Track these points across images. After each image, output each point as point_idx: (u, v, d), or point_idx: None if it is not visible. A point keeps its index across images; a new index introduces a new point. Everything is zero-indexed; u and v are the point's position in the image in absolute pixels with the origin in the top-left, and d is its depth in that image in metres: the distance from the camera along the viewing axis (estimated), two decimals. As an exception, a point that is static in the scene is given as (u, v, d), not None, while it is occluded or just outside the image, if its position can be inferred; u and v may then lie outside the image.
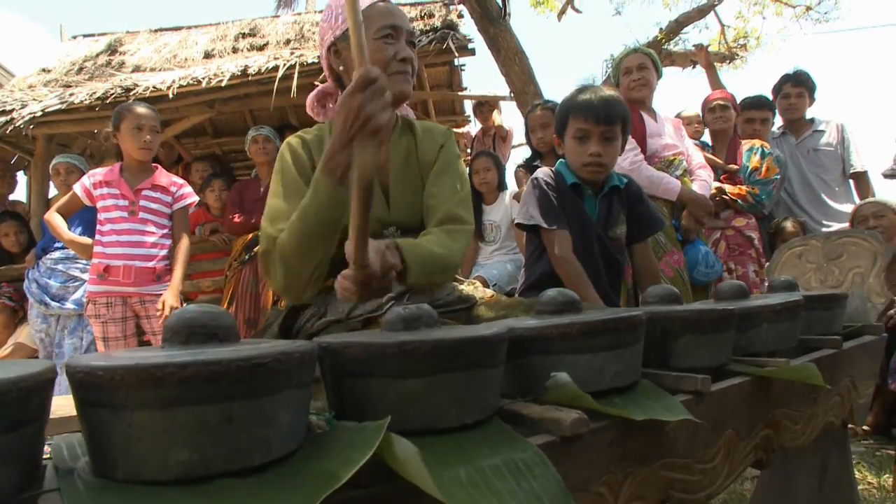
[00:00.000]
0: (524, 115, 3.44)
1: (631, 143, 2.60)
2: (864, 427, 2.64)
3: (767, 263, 1.96)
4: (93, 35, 6.11)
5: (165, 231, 2.72)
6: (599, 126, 1.73)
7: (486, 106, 5.02)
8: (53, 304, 3.19)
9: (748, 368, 0.90)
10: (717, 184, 3.04)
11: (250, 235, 3.65)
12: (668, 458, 0.74)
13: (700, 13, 6.21)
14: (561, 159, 1.94)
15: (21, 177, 5.03)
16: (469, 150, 5.75)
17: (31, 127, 3.88)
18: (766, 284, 2.84)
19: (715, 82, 4.05)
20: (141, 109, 2.66)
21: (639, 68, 2.78)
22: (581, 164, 1.77)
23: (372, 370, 0.55)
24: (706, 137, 3.54)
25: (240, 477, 0.44)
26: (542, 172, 1.84)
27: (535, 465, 0.54)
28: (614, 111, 1.74)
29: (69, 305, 3.19)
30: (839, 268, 1.46)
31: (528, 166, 3.35)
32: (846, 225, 3.47)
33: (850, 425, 1.34)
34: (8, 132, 3.85)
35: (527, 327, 0.71)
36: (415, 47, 1.32)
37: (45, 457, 0.52)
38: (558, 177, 1.83)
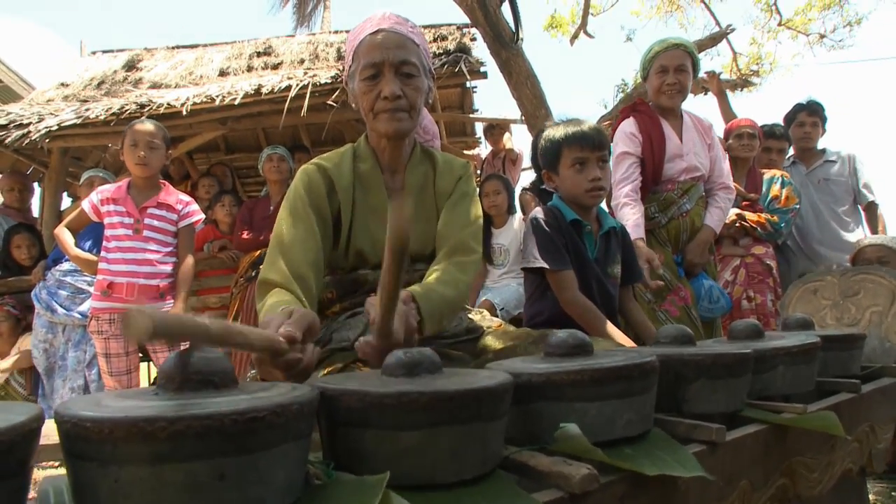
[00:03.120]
0: (533, 137, 3.41)
1: (624, 173, 2.42)
2: None
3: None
4: (112, 51, 6.21)
5: (170, 249, 2.71)
6: (595, 152, 1.77)
7: (496, 129, 5.04)
8: (61, 310, 3.21)
9: (764, 415, 0.86)
10: (737, 210, 3.01)
11: (258, 252, 3.64)
12: (680, 511, 0.70)
13: (712, 41, 6.22)
14: (555, 195, 1.91)
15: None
16: (479, 172, 5.77)
17: (47, 140, 3.92)
18: (781, 319, 2.78)
19: (726, 110, 4.05)
20: (139, 126, 2.65)
21: (677, 70, 2.42)
22: (584, 191, 1.78)
23: (368, 421, 0.52)
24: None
25: (230, 537, 0.41)
26: (541, 212, 1.82)
27: (540, 522, 0.51)
28: (604, 137, 1.81)
29: (76, 314, 3.20)
30: (856, 305, 1.43)
31: (537, 190, 3.27)
32: (856, 255, 3.44)
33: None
34: (24, 145, 3.89)
35: (535, 372, 0.68)
36: (416, 74, 1.28)
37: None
38: (557, 214, 1.82)
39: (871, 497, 2.17)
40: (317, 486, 0.51)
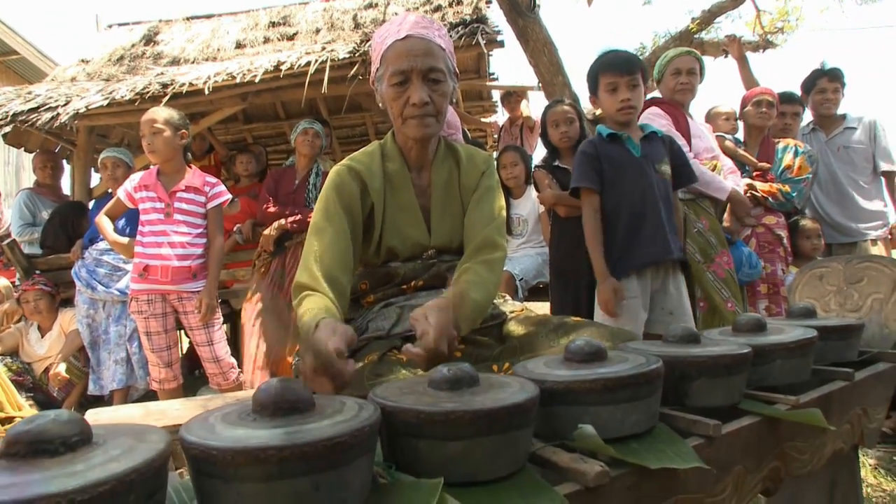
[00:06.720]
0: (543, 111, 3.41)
1: (681, 138, 2.70)
2: (884, 429, 2.65)
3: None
4: (127, 24, 6.25)
5: (200, 231, 2.85)
6: (624, 77, 2.10)
7: (513, 96, 5.05)
8: (101, 287, 3.40)
9: (759, 407, 0.97)
10: (748, 180, 3.06)
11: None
12: (680, 494, 0.82)
13: (734, 2, 6.03)
14: (599, 124, 2.23)
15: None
16: (496, 137, 5.79)
17: (75, 121, 4.04)
18: (787, 283, 2.90)
19: (747, 75, 4.00)
20: (144, 117, 2.77)
21: (688, 72, 2.82)
22: (616, 111, 2.13)
23: (422, 432, 0.65)
24: (740, 133, 3.51)
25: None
26: (584, 142, 2.22)
27: (562, 512, 0.64)
28: (634, 63, 2.15)
29: (114, 291, 3.39)
30: (859, 292, 1.51)
31: (549, 166, 3.24)
32: (876, 224, 3.45)
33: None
34: (53, 127, 4.02)
35: (556, 380, 0.80)
36: (442, 79, 1.35)
37: None
38: (596, 136, 2.16)
39: (871, 462, 2.29)
40: (382, 484, 0.64)
